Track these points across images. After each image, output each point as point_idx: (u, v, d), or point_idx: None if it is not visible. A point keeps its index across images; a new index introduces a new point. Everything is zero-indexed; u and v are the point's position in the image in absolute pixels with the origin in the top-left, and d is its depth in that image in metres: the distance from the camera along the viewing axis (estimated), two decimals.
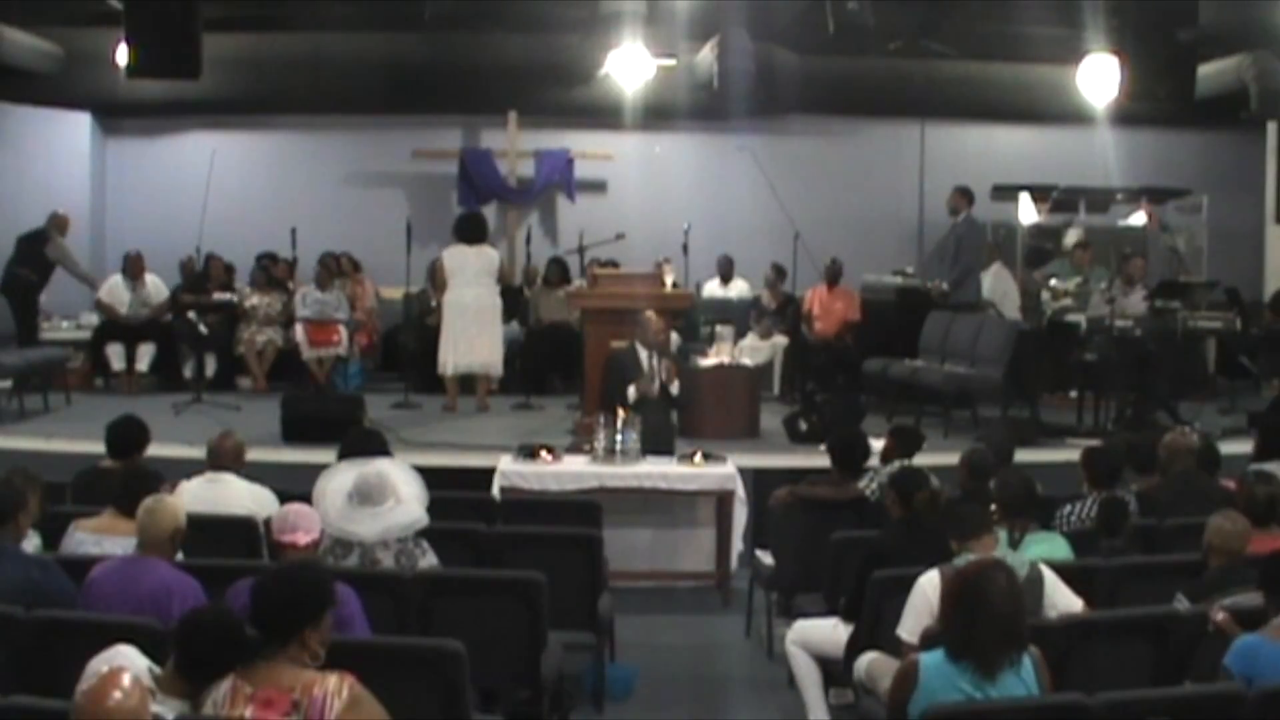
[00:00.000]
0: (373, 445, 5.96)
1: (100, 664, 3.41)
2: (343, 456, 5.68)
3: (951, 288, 10.92)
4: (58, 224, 11.69)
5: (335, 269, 12.31)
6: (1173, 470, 6.61)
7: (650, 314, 8.72)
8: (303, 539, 4.58)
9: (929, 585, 4.56)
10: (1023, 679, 3.78)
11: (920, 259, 13.38)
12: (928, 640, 4.26)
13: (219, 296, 11.70)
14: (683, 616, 7.50)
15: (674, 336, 10.42)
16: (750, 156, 13.02)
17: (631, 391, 8.44)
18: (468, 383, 10.73)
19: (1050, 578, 4.75)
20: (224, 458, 6.16)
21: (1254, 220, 14.06)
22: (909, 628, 4.56)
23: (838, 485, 6.62)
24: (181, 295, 12.04)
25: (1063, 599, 4.75)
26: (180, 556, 4.94)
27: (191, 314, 11.56)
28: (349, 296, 12.29)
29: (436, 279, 11.32)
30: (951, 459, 6.82)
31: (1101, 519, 5.69)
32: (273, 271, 12.42)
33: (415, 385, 11.23)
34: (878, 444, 6.99)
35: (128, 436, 6.38)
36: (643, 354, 8.71)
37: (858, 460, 6.67)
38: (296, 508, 4.76)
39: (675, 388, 8.65)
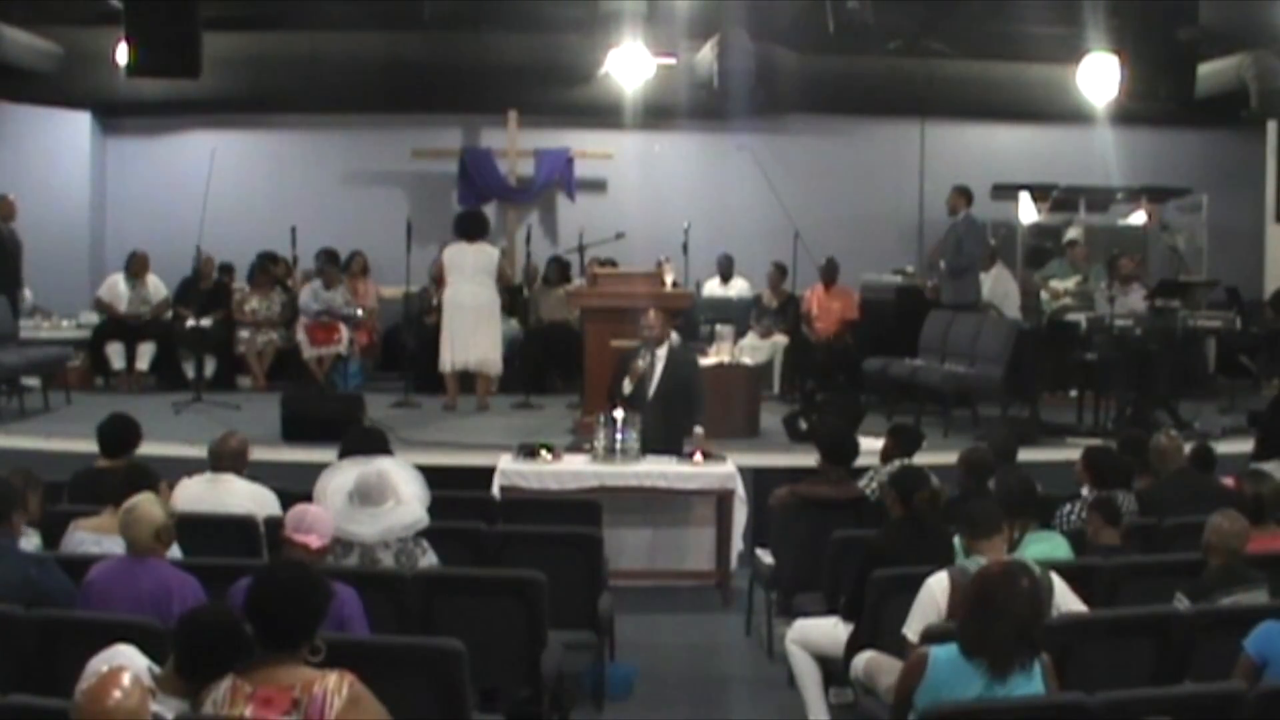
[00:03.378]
0: (374, 444, 5.96)
1: (100, 663, 3.41)
2: (343, 455, 5.68)
3: (949, 273, 10.87)
4: None
5: (340, 267, 12.28)
6: (1165, 471, 6.63)
7: (651, 312, 8.70)
8: (315, 542, 4.57)
9: (938, 586, 4.57)
10: (1031, 683, 3.79)
11: (920, 259, 13.38)
12: (928, 639, 4.26)
13: (206, 322, 11.57)
14: (683, 616, 7.50)
15: (674, 336, 10.41)
16: (750, 156, 13.01)
17: (626, 384, 8.43)
18: (468, 382, 10.73)
19: (1060, 585, 4.75)
20: (225, 459, 6.15)
21: (1254, 220, 14.06)
22: (914, 628, 4.57)
23: (837, 484, 6.62)
24: (177, 309, 12.01)
25: (1069, 606, 4.75)
26: (180, 555, 4.95)
27: (190, 321, 11.55)
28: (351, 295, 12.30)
29: (438, 276, 11.31)
30: (951, 458, 6.83)
31: (1091, 518, 5.70)
32: (272, 271, 12.42)
33: (415, 384, 11.23)
34: (876, 443, 7.00)
35: (119, 435, 6.38)
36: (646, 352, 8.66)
37: (846, 454, 6.67)
38: (315, 510, 4.74)
39: (654, 385, 8.54)
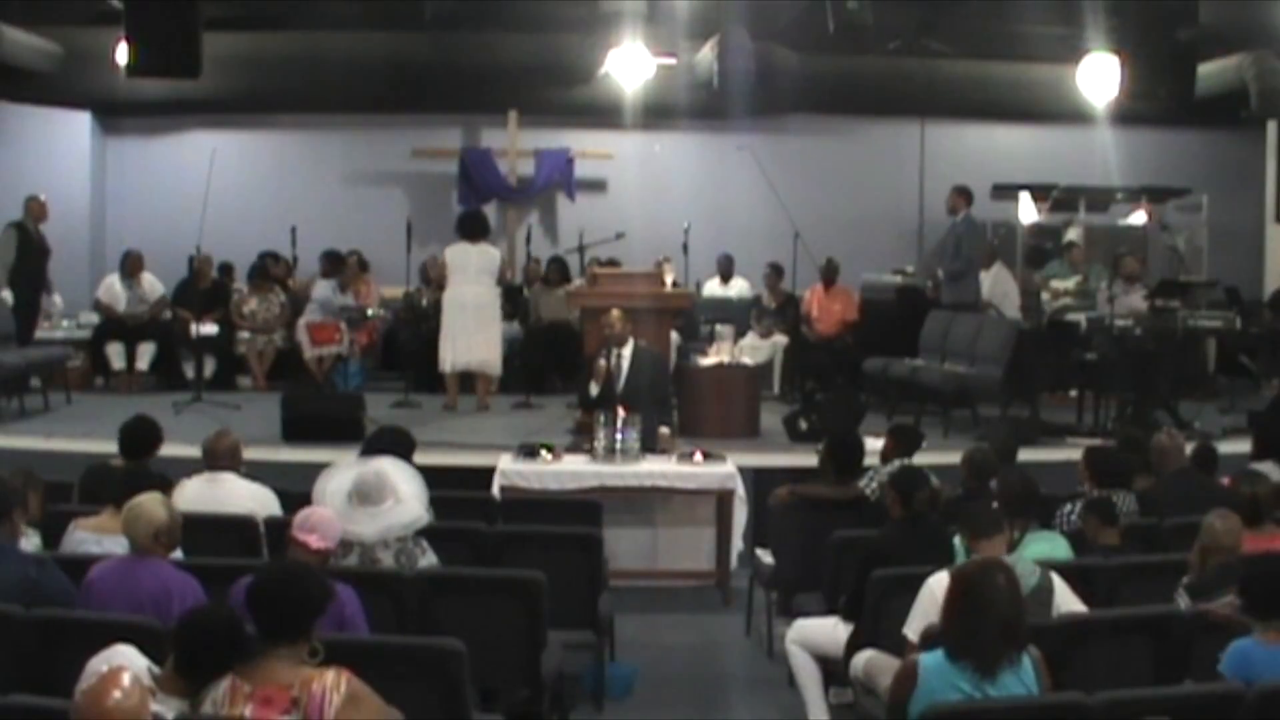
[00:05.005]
0: (399, 445, 5.94)
1: (100, 663, 3.41)
2: (366, 454, 5.68)
3: (948, 278, 10.89)
4: (29, 209, 10.97)
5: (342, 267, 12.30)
6: (1166, 470, 6.62)
7: (613, 311, 8.69)
8: (316, 543, 4.55)
9: (938, 586, 4.55)
10: (1022, 679, 3.79)
11: (920, 259, 13.38)
12: (928, 639, 4.26)
13: (207, 329, 11.58)
14: (683, 616, 7.50)
15: (674, 336, 10.43)
16: (750, 156, 13.01)
17: (593, 387, 8.46)
18: (468, 382, 10.73)
19: (1060, 586, 4.75)
20: (221, 458, 6.14)
21: (1254, 220, 14.07)
22: (915, 628, 4.57)
23: (837, 484, 6.61)
24: (177, 311, 12.04)
25: (1069, 606, 4.75)
26: (180, 555, 4.95)
27: (194, 326, 11.55)
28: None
29: (433, 276, 11.31)
30: (951, 458, 6.84)
31: (1087, 520, 5.70)
32: (272, 271, 12.42)
33: (415, 384, 11.22)
34: (876, 443, 7.00)
35: (141, 437, 6.36)
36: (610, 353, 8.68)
37: (854, 463, 6.67)
38: (323, 514, 4.73)
39: (621, 384, 8.56)
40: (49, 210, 11.20)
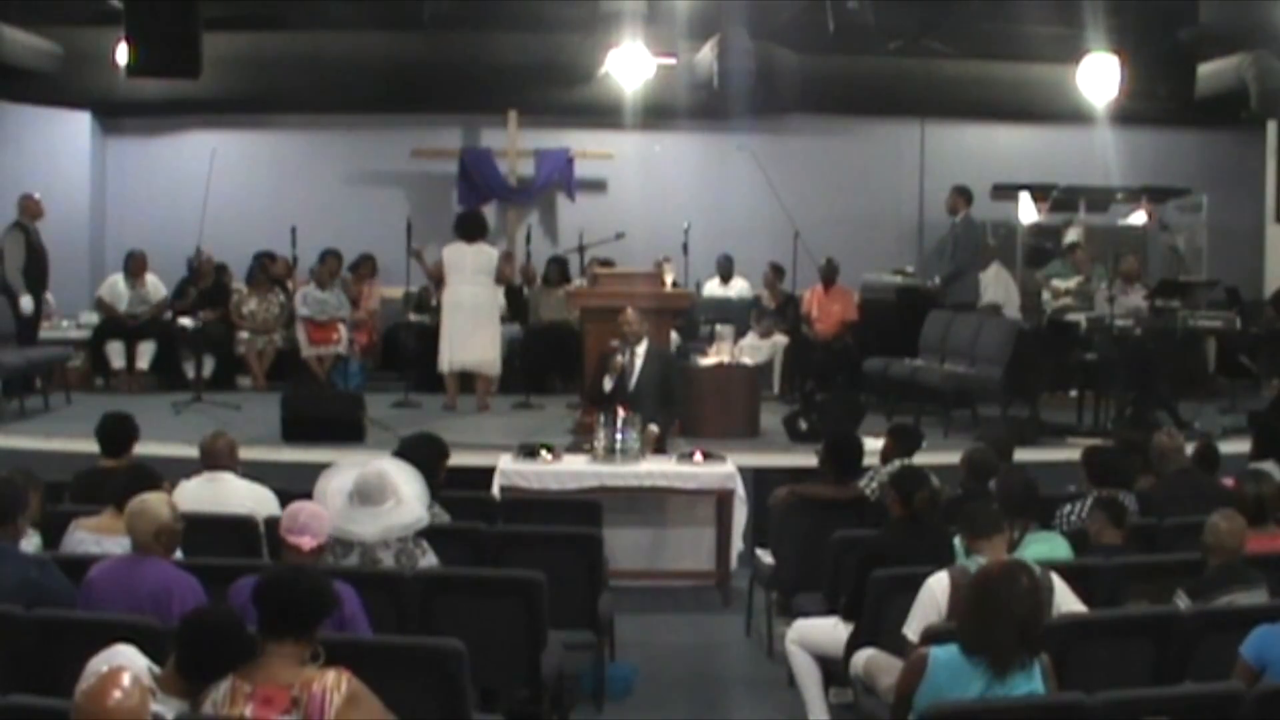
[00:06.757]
0: (431, 450, 5.96)
1: (100, 663, 3.42)
2: (398, 456, 5.68)
3: (943, 282, 10.90)
4: (25, 208, 10.93)
5: (338, 269, 12.29)
6: (1167, 470, 6.62)
7: (629, 310, 8.73)
8: (307, 543, 4.55)
9: (938, 586, 4.57)
10: (1031, 682, 3.79)
11: (920, 259, 13.38)
12: (929, 639, 4.27)
13: (189, 321, 11.58)
14: (683, 616, 7.50)
15: (674, 336, 10.43)
16: (750, 156, 13.00)
17: (607, 382, 8.48)
18: (468, 382, 10.74)
19: (1060, 586, 4.76)
20: (219, 457, 6.15)
21: (1254, 220, 14.05)
22: (915, 628, 4.57)
23: (837, 485, 6.62)
24: (176, 304, 12.05)
25: (1069, 606, 4.76)
26: (180, 555, 4.95)
27: (189, 321, 11.55)
28: (351, 296, 12.29)
29: (432, 274, 11.32)
30: (951, 458, 6.84)
31: (1095, 516, 5.70)
32: (271, 270, 12.41)
33: (415, 384, 11.23)
34: (876, 444, 7.00)
35: (118, 433, 6.40)
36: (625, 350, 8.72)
37: (853, 463, 6.67)
38: (311, 509, 4.71)
39: (633, 382, 8.61)
40: (49, 209, 11.19)
